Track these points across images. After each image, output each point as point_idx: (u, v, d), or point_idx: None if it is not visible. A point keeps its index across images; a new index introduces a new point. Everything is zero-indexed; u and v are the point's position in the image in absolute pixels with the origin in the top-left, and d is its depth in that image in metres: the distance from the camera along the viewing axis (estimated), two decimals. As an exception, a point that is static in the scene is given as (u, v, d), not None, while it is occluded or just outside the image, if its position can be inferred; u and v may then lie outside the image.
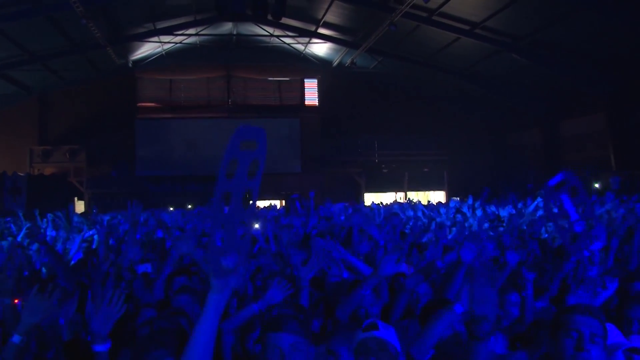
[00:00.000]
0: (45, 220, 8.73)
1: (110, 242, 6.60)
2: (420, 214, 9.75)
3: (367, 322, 2.39)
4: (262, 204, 19.35)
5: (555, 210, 3.46)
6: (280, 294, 3.09)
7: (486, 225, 7.86)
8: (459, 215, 8.86)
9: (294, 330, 2.13)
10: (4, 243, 6.75)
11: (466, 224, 7.87)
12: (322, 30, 23.04)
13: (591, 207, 3.67)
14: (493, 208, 9.82)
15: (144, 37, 22.82)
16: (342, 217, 9.11)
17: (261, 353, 2.14)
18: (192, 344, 1.64)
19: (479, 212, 9.15)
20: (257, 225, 6.44)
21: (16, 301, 3.34)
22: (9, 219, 10.13)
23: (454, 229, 7.47)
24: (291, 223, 8.22)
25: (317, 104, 28.21)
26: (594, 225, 3.22)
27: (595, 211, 7.65)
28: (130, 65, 25.30)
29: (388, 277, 3.19)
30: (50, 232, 7.37)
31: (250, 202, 1.72)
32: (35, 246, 6.55)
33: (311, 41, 24.50)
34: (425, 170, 27.09)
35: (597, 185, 18.29)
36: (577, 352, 2.03)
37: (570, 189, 3.58)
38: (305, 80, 28.14)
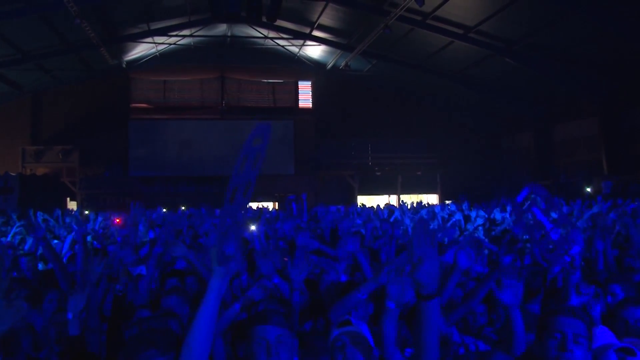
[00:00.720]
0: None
1: (98, 245, 6.58)
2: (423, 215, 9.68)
3: (341, 320, 2.49)
4: (253, 205, 19.36)
5: (531, 222, 3.51)
6: (261, 295, 3.12)
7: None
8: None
9: (280, 323, 2.20)
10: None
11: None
12: (316, 33, 23.07)
13: (565, 214, 3.72)
14: (482, 212, 9.82)
15: (138, 38, 22.76)
16: (329, 219, 9.06)
17: (248, 346, 2.19)
18: (194, 329, 1.68)
19: (479, 220, 9.15)
20: (253, 227, 6.43)
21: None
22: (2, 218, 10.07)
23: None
24: (304, 225, 8.21)
25: (310, 106, 28.24)
26: (569, 230, 3.26)
27: (573, 217, 7.75)
28: (124, 65, 25.21)
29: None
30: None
31: (247, 194, 1.80)
32: (26, 247, 6.53)
33: (305, 43, 24.51)
34: (418, 173, 27.12)
35: (589, 190, 18.43)
36: (560, 353, 2.05)
37: (539, 201, 3.62)
38: (299, 82, 28.17)
